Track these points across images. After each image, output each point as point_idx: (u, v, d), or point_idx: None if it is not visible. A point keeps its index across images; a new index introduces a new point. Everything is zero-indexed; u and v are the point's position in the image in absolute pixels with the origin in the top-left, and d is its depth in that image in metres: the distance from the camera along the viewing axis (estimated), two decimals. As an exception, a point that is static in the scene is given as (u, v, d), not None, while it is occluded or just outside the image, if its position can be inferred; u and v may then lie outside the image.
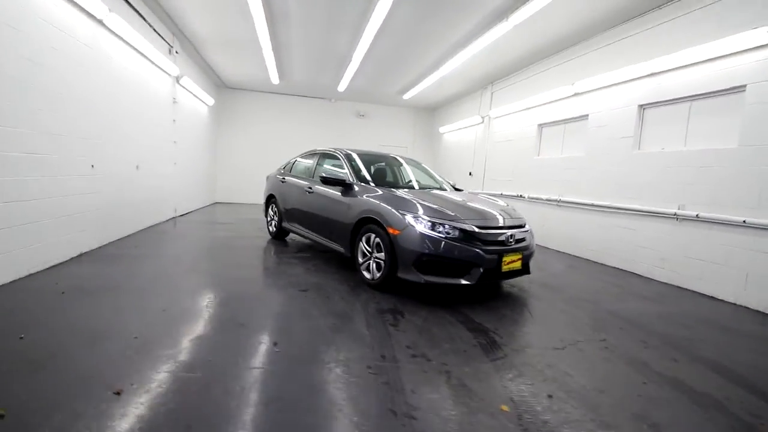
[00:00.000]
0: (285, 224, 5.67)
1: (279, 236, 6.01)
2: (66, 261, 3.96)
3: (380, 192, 3.97)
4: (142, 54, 5.72)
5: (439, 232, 3.32)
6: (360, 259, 3.93)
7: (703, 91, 4.49)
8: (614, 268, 5.48)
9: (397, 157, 5.30)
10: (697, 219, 4.44)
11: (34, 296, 2.98)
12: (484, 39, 6.10)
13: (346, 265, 4.62)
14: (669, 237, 4.79)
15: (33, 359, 2.04)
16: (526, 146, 7.76)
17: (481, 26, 5.89)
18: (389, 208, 3.60)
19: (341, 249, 4.28)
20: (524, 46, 6.71)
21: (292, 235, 6.31)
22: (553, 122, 7.06)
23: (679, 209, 4.66)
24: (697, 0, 4.52)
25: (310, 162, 5.49)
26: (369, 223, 3.80)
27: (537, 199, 7.17)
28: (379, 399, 1.91)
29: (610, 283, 4.70)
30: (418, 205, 3.54)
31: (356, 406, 1.84)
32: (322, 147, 5.78)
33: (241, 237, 6.12)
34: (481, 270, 3.33)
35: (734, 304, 4.06)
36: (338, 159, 4.92)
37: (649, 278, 4.97)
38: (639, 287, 4.55)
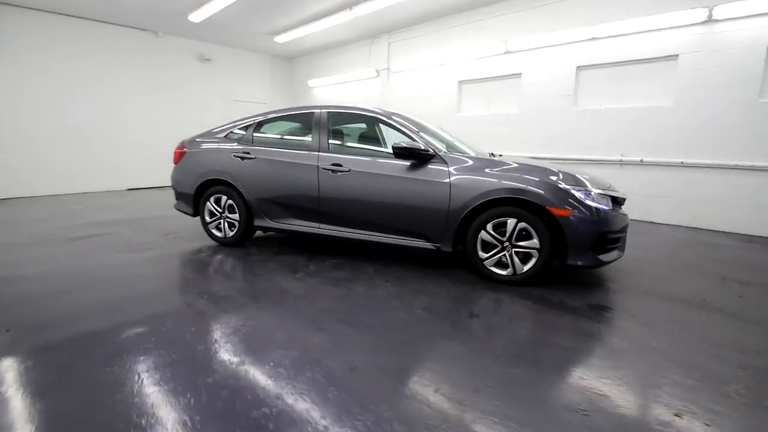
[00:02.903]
0: (264, 222, 3.75)
1: (241, 241, 3.96)
2: None
3: (472, 162, 3.07)
4: None
5: (605, 205, 2.88)
6: (482, 254, 3.02)
7: (640, 58, 5.42)
8: (563, 212, 6.33)
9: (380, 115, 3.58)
10: (640, 163, 5.54)
11: None
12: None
13: (426, 264, 3.50)
14: (614, 180, 5.81)
15: None
16: (444, 103, 7.68)
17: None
18: (546, 182, 2.84)
19: (428, 244, 3.18)
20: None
21: (258, 235, 4.27)
22: (478, 79, 7.18)
23: (622, 156, 5.69)
24: (638, -25, 5.27)
25: (303, 127, 3.73)
26: (499, 205, 2.92)
27: (468, 156, 7.34)
28: None
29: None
30: (573, 175, 2.94)
31: None
32: (318, 104, 4.01)
33: (169, 254, 3.69)
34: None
35: (668, 224, 5.40)
36: (371, 121, 3.57)
37: (597, 216, 5.99)
38: (612, 225, 5.41)
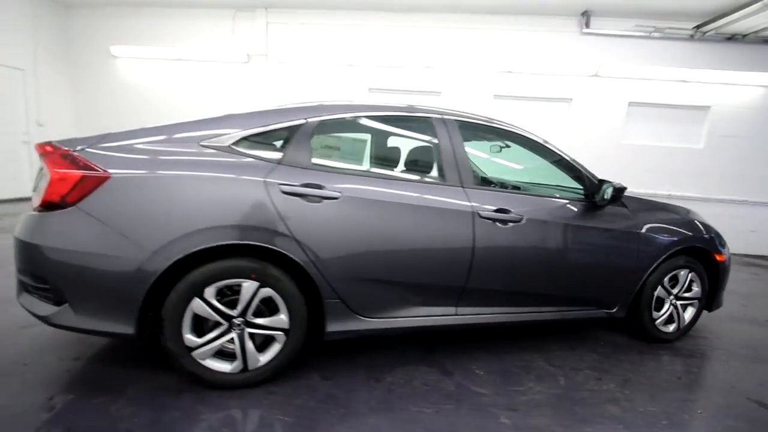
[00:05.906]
0: (355, 323, 1.92)
1: (276, 372, 1.88)
2: None
3: (639, 203, 2.65)
4: None
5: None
6: (655, 314, 2.58)
7: (544, 96, 6.24)
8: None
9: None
10: (547, 187, 6.39)
11: None
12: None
13: (562, 334, 2.63)
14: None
15: None
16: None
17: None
18: (707, 226, 2.69)
19: (598, 312, 2.48)
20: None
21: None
22: (393, 90, 6.50)
23: (532, 181, 6.41)
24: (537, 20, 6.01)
25: (404, 141, 2.20)
26: (679, 254, 2.57)
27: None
28: None
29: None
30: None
31: None
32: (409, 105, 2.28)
33: None
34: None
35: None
36: (523, 145, 2.69)
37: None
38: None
